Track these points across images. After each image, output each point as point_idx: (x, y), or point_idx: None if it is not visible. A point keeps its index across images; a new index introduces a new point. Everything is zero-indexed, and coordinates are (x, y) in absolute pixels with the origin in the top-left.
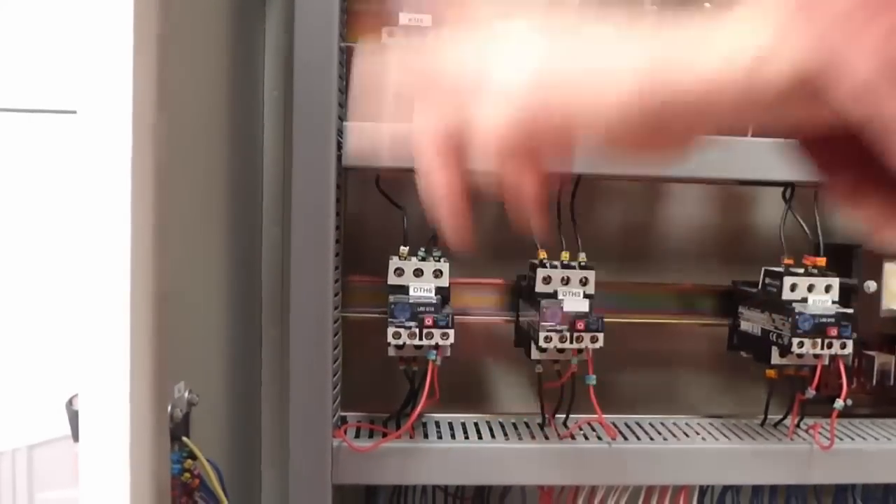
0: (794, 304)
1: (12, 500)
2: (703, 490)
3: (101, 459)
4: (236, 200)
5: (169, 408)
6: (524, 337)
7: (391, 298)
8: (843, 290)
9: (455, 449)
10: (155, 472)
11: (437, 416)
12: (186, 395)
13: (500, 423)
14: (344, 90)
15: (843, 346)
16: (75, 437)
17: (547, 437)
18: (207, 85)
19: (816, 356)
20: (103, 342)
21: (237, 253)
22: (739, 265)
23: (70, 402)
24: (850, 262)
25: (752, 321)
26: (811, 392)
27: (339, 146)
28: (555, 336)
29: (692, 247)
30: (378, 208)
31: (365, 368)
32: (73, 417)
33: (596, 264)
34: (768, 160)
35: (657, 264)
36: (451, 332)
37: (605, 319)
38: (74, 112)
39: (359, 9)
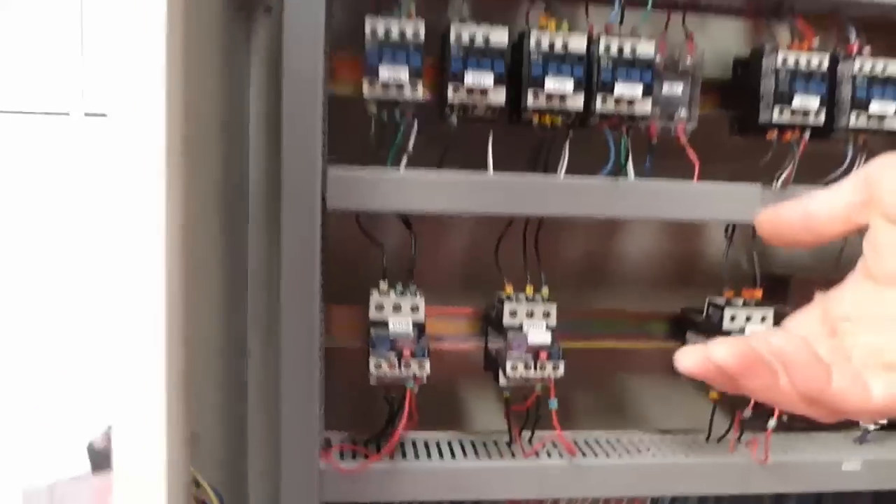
0: (733, 335)
1: None
2: (655, 500)
3: (139, 495)
4: (227, 230)
5: None
6: (493, 362)
7: (372, 332)
8: (779, 317)
9: (432, 468)
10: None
11: (414, 434)
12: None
13: (471, 441)
14: (328, 133)
15: None
16: (96, 470)
17: (514, 455)
18: (209, 105)
19: None
20: (139, 381)
21: (229, 280)
22: (689, 291)
23: (91, 444)
24: (786, 290)
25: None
26: (749, 412)
27: (325, 188)
28: (520, 365)
29: (646, 275)
30: (355, 241)
31: (346, 389)
32: (95, 457)
33: (559, 292)
34: (714, 202)
35: (615, 292)
36: (427, 361)
37: (568, 344)
38: (104, 115)
39: (342, 57)
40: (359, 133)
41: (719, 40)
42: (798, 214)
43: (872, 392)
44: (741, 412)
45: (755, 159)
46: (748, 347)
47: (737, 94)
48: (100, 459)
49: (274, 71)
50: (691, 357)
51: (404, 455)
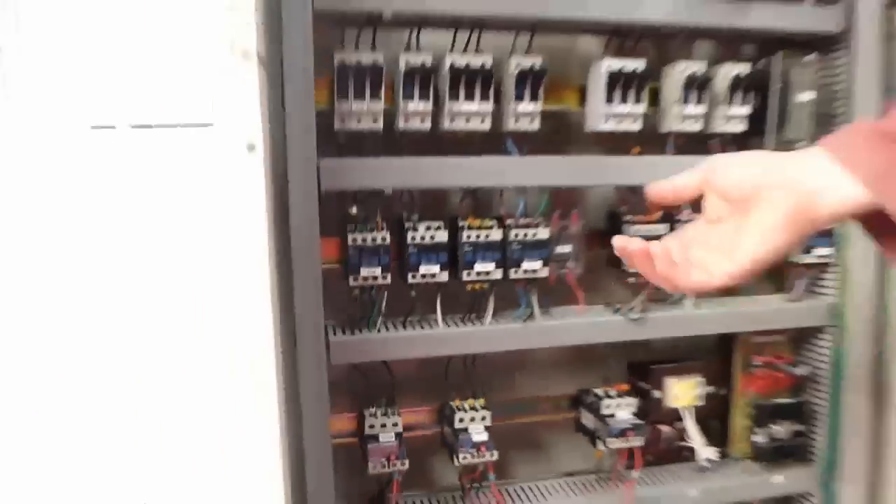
0: (607, 419)
1: None
2: None
3: None
4: None
5: None
6: (449, 444)
7: (369, 446)
8: (642, 392)
9: None
10: None
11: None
12: None
13: (437, 498)
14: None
15: (637, 440)
16: None
17: None
18: None
19: (623, 448)
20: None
21: None
22: (585, 374)
23: None
24: (647, 372)
25: (587, 420)
26: (621, 464)
27: (328, 349)
28: (468, 456)
29: (554, 368)
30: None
31: (346, 469)
32: None
33: (494, 386)
34: (594, 330)
35: (533, 382)
36: (406, 460)
37: (502, 422)
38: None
39: (327, 240)
40: (342, 296)
41: (599, 196)
42: (669, 187)
43: (694, 278)
44: (620, 461)
45: (625, 287)
46: (645, 246)
47: (609, 240)
48: None
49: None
50: (620, 243)
51: None
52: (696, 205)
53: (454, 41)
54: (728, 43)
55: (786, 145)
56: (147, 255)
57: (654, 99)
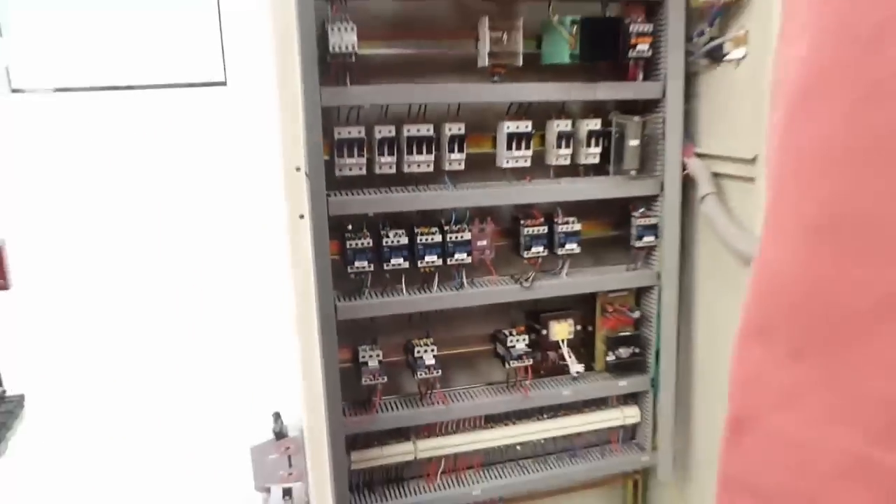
0: (511, 348)
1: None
2: (489, 418)
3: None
4: None
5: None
6: (411, 366)
7: (362, 368)
8: (535, 331)
9: (390, 415)
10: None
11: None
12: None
13: (404, 399)
14: (333, 282)
15: (530, 361)
16: (278, 438)
17: (423, 405)
18: None
19: (521, 366)
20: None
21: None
22: (499, 318)
23: (273, 427)
24: (538, 318)
25: (499, 349)
26: (520, 376)
27: (336, 310)
28: (423, 373)
29: (479, 316)
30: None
31: (346, 381)
32: (276, 431)
33: (441, 328)
34: (502, 293)
35: (467, 324)
36: (385, 376)
37: (447, 350)
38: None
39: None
40: (344, 278)
41: (505, 208)
42: None
43: None
44: (520, 374)
45: (522, 265)
46: None
47: (511, 235)
48: (278, 433)
49: None
50: None
51: (384, 410)
52: (567, 209)
53: (409, 113)
54: (591, 104)
55: (623, 173)
56: (249, 250)
57: (542, 141)
